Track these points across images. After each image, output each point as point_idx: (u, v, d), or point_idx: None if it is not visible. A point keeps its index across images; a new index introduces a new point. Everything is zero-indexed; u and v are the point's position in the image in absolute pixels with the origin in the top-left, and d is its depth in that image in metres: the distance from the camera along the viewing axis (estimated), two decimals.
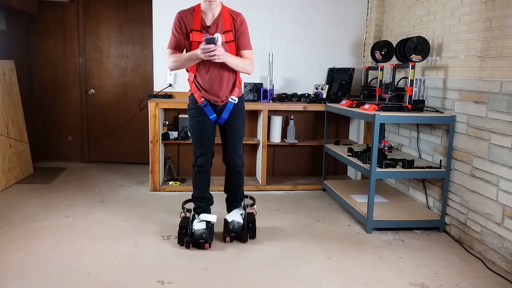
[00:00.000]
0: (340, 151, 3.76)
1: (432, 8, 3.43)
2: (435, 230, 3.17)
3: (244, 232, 2.88)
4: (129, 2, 4.98)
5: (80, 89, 5.12)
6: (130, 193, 3.97)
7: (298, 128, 4.48)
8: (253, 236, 2.91)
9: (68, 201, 3.66)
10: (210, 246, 2.77)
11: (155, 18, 4.22)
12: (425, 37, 3.32)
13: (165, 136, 4.12)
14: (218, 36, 2.49)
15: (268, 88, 4.17)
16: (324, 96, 4.27)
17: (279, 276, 2.43)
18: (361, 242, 2.96)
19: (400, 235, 3.08)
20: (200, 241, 2.74)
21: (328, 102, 4.06)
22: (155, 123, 3.94)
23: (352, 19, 4.49)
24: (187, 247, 2.75)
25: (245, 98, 3.99)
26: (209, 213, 2.89)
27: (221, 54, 2.51)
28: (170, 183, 4.15)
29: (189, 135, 3.94)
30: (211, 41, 2.45)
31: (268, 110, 4.09)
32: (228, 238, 2.86)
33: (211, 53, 2.47)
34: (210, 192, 2.96)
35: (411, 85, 3.21)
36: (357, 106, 3.50)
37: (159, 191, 4.02)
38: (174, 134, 4.17)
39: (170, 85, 4.10)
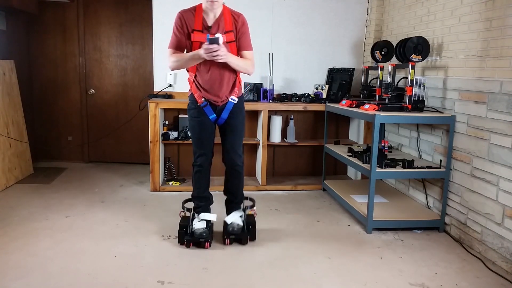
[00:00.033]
0: (340, 151, 3.76)
1: (432, 8, 3.44)
2: (435, 230, 3.18)
3: (244, 234, 2.85)
4: (129, 2, 4.98)
5: (80, 89, 5.12)
6: (130, 193, 3.97)
7: (298, 128, 4.48)
8: (253, 238, 2.89)
9: (68, 201, 3.66)
10: (210, 245, 2.78)
11: (155, 18, 4.22)
12: (425, 37, 3.32)
13: (165, 136, 4.12)
14: (220, 36, 2.49)
15: (268, 88, 4.17)
16: (324, 96, 4.27)
17: (279, 276, 2.43)
18: (361, 242, 2.96)
19: (400, 235, 3.08)
20: (201, 240, 2.74)
21: (328, 102, 4.06)
22: (155, 123, 3.94)
23: (352, 19, 4.49)
24: (188, 246, 2.75)
25: (245, 98, 4.00)
26: (209, 212, 2.89)
27: (224, 54, 2.52)
28: (170, 183, 4.15)
29: (189, 135, 3.93)
30: (214, 41, 2.45)
31: (268, 110, 4.09)
32: (227, 241, 2.83)
33: (214, 53, 2.48)
34: (210, 192, 2.96)
35: (411, 85, 3.21)
36: (357, 106, 3.50)
37: (159, 191, 4.02)
38: (174, 134, 4.17)
39: (170, 85, 4.11)
